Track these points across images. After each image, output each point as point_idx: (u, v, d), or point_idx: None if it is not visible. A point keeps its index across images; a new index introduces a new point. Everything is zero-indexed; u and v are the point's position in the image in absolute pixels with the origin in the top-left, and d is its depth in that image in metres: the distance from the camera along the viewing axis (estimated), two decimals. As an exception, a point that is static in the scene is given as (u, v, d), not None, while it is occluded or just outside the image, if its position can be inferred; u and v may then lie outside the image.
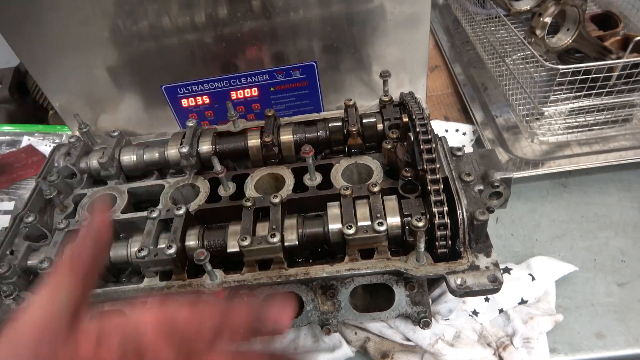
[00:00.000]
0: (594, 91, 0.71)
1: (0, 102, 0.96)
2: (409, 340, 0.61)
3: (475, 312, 0.63)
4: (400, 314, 0.58)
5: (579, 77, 0.69)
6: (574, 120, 0.82)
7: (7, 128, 0.94)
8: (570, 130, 0.81)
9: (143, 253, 0.52)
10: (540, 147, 0.82)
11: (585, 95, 0.73)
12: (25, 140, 0.94)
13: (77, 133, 0.73)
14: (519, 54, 0.87)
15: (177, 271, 0.53)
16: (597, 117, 0.80)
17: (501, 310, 0.63)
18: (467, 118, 0.92)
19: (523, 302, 0.64)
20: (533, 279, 0.65)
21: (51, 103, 0.85)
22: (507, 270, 0.67)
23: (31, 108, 1.02)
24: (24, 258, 0.56)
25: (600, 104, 0.73)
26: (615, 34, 0.83)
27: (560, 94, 0.77)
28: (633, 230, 0.72)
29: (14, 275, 0.53)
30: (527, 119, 0.81)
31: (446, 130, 0.90)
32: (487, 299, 0.64)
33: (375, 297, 0.61)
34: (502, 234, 0.74)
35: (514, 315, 0.62)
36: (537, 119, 0.82)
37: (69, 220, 0.58)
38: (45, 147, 0.93)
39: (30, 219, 0.58)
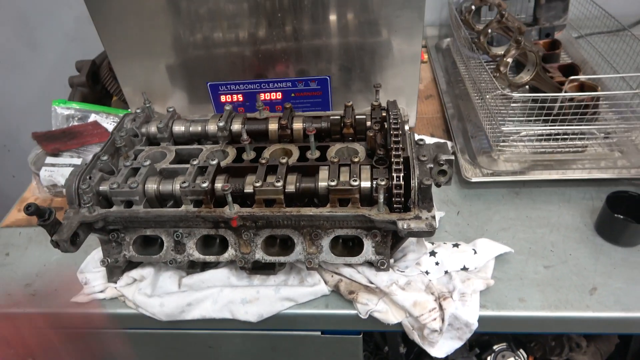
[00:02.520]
0: (542, 118, 0.91)
1: (78, 85, 1.21)
2: (371, 283, 0.79)
3: (426, 272, 0.81)
4: (366, 260, 0.77)
5: (528, 105, 0.89)
6: (532, 144, 1.01)
7: (80, 106, 1.18)
8: (532, 151, 1.00)
9: (185, 185, 0.73)
10: (504, 164, 1.01)
11: (535, 121, 0.93)
12: (92, 117, 1.17)
13: (137, 111, 0.95)
14: (494, 92, 1.08)
15: (206, 201, 0.73)
16: (552, 144, 0.99)
17: (446, 272, 0.81)
18: (449, 137, 1.12)
19: (465, 269, 0.81)
20: (475, 253, 0.83)
21: (122, 88, 1.09)
22: (456, 245, 0.85)
23: (99, 93, 1.27)
24: (97, 183, 0.77)
25: (547, 129, 0.92)
26: (572, 79, 1.03)
27: (515, 119, 0.97)
28: (565, 230, 0.89)
29: (90, 192, 0.74)
30: (493, 139, 1.00)
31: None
32: (437, 263, 0.82)
33: (350, 253, 0.79)
34: (460, 222, 0.92)
35: (455, 276, 0.80)
36: (503, 140, 1.01)
37: (131, 162, 0.80)
38: (107, 124, 1.16)
39: (105, 157, 0.80)
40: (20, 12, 1.65)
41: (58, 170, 1.04)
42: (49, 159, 1.05)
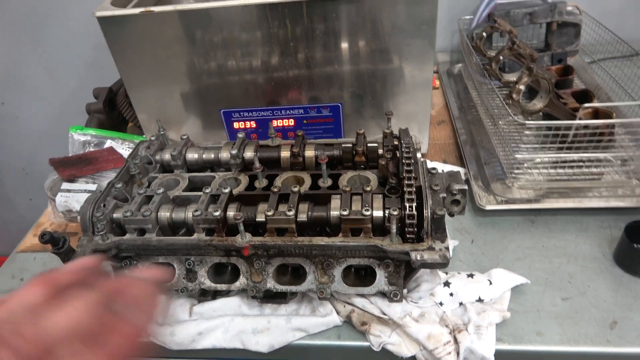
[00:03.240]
0: (556, 145, 0.90)
1: (95, 112, 1.23)
2: (384, 314, 0.77)
3: (440, 303, 0.80)
4: (379, 290, 0.76)
5: (542, 132, 0.88)
6: (547, 172, 1.00)
7: (96, 132, 1.20)
8: (546, 179, 0.99)
9: (197, 213, 0.73)
10: (518, 191, 1.00)
11: (550, 149, 0.92)
12: (108, 143, 1.19)
13: (152, 138, 0.96)
14: (506, 119, 1.07)
15: (218, 230, 0.73)
16: (567, 172, 0.98)
17: (461, 304, 0.79)
18: (462, 164, 1.12)
19: (480, 300, 0.80)
20: (491, 283, 0.81)
21: (137, 115, 1.11)
22: (471, 275, 0.83)
23: (115, 120, 1.29)
24: (112, 211, 0.77)
25: (561, 157, 0.91)
26: (586, 107, 1.03)
27: (530, 147, 0.96)
28: (583, 260, 0.87)
29: (104, 220, 0.75)
30: (507, 166, 0.99)
31: (443, 170, 1.09)
32: (451, 294, 0.80)
33: (363, 283, 0.78)
34: (474, 251, 0.91)
35: (470, 307, 0.78)
36: (517, 167, 1.00)
37: (145, 189, 0.80)
38: (122, 150, 1.18)
39: (119, 185, 0.80)
40: (39, 38, 1.70)
41: (73, 196, 1.05)
42: (65, 185, 1.07)
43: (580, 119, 0.90)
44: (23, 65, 1.75)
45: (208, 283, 0.78)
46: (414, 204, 0.68)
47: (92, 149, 1.17)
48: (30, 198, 2.16)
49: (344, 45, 0.99)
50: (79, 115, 1.33)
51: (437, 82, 1.42)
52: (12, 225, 2.28)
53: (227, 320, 0.81)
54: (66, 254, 0.71)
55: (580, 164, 0.94)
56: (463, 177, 0.74)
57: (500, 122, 1.01)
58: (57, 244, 0.69)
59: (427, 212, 0.69)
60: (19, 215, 2.25)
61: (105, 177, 1.10)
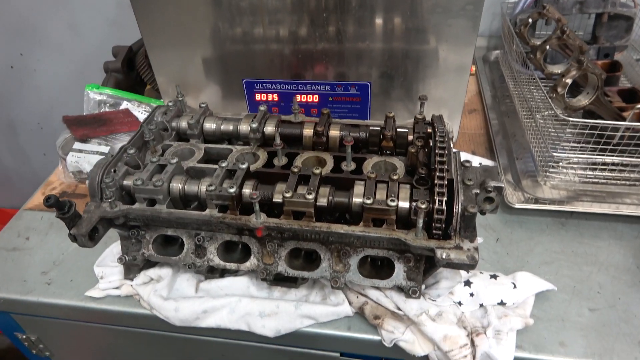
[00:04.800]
0: (599, 146, 0.83)
1: (112, 71, 1.19)
2: (399, 309, 0.73)
3: (459, 303, 0.75)
4: (396, 284, 0.71)
5: (585, 131, 0.82)
6: (583, 173, 0.93)
7: (113, 92, 1.16)
8: (581, 180, 0.92)
9: (211, 188, 0.69)
10: (549, 190, 0.94)
11: (591, 149, 0.85)
12: (124, 104, 1.15)
13: (169, 104, 0.91)
14: (546, 112, 1.00)
15: (232, 207, 0.69)
16: (605, 174, 0.91)
17: (481, 305, 0.75)
18: (492, 157, 1.06)
19: (502, 303, 0.75)
20: (515, 287, 0.76)
21: (155, 77, 1.06)
22: (494, 276, 0.78)
23: (133, 81, 1.25)
24: (122, 177, 0.74)
25: (603, 158, 0.85)
26: (638, 108, 0.95)
27: (569, 145, 0.90)
28: (615, 270, 0.82)
29: (114, 187, 0.71)
30: (541, 162, 0.93)
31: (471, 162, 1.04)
32: (472, 294, 0.76)
33: (379, 274, 0.74)
34: (499, 251, 0.86)
35: (491, 310, 0.74)
36: (552, 165, 0.94)
37: (158, 157, 0.76)
38: (138, 112, 1.14)
39: (132, 151, 0.76)
40: (63, -8, 1.65)
41: (85, 157, 1.01)
42: (77, 145, 1.03)
43: (629, 120, 0.84)
44: (45, 17, 1.70)
45: (217, 261, 0.75)
46: (444, 199, 0.63)
47: (107, 110, 1.13)
48: (44, 153, 2.15)
49: (379, 20, 0.92)
50: (97, 74, 1.29)
51: (473, 68, 1.34)
52: (25, 178, 2.28)
53: (234, 300, 0.77)
54: (72, 219, 0.68)
55: (622, 168, 0.88)
56: (499, 176, 0.68)
57: (538, 116, 0.94)
58: (63, 209, 0.65)
59: (457, 208, 0.64)
60: (32, 169, 2.24)
61: (119, 139, 1.06)
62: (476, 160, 1.05)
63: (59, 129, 1.09)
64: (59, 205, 0.64)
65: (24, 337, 0.98)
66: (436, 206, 0.63)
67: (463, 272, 0.78)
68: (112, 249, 0.88)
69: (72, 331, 0.93)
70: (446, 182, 0.64)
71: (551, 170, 0.92)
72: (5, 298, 0.85)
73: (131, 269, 0.81)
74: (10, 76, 1.89)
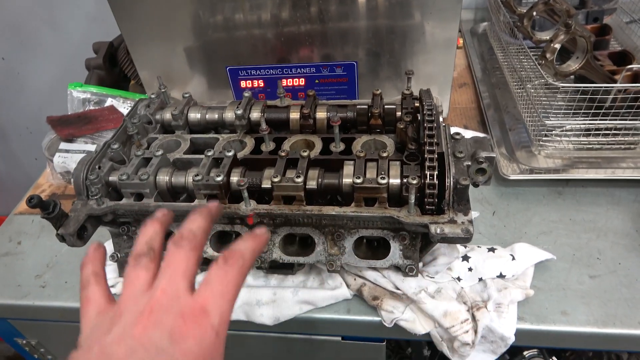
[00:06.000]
0: (591, 111, 0.82)
1: (94, 68, 1.17)
2: (398, 289, 0.72)
3: (458, 278, 0.74)
4: (393, 264, 0.70)
5: (577, 96, 0.80)
6: (577, 139, 0.92)
7: (96, 90, 1.14)
8: (576, 147, 0.91)
9: (198, 177, 0.67)
10: (544, 160, 0.93)
11: (583, 115, 0.84)
12: (109, 101, 1.13)
13: (152, 96, 0.89)
14: (536, 81, 0.98)
15: (221, 196, 0.68)
16: (600, 140, 0.90)
17: (480, 279, 0.74)
18: (484, 130, 1.04)
19: (501, 276, 0.74)
20: (513, 258, 0.75)
21: (138, 72, 1.04)
22: (492, 249, 0.77)
23: (116, 77, 1.22)
24: (107, 174, 0.72)
25: (596, 123, 0.83)
26: (628, 69, 0.94)
27: (561, 112, 0.88)
28: (614, 235, 0.81)
29: (99, 183, 0.70)
30: (534, 132, 0.91)
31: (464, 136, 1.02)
32: (470, 269, 0.75)
33: (375, 255, 0.73)
34: (496, 224, 0.85)
35: (490, 283, 0.73)
36: (545, 134, 0.92)
37: (143, 151, 0.74)
38: (124, 109, 1.12)
39: (116, 146, 0.75)
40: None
41: (72, 157, 1.00)
42: (63, 145, 1.02)
43: (620, 82, 0.82)
44: (25, 17, 1.67)
45: (210, 252, 0.74)
46: (435, 172, 0.62)
47: (92, 108, 1.11)
48: (35, 158, 2.13)
49: (361, -4, 0.90)
50: (81, 72, 1.27)
51: (461, 42, 1.32)
52: (17, 184, 2.26)
53: (231, 290, 0.76)
54: (58, 219, 0.66)
55: (615, 132, 0.86)
56: (491, 146, 0.67)
57: (528, 85, 0.93)
58: (47, 209, 0.64)
59: (449, 182, 0.62)
60: (25, 174, 2.22)
61: (105, 137, 1.04)
62: (469, 134, 1.02)
63: (48, 131, 1.07)
64: (42, 205, 0.63)
65: (24, 342, 0.98)
66: (427, 181, 0.62)
67: (460, 248, 0.77)
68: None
69: (71, 333, 0.92)
70: (436, 156, 0.63)
71: (545, 139, 0.91)
72: (0, 304, 0.84)
73: (124, 266, 0.80)
74: (-6, 81, 1.86)
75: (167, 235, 0.77)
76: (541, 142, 0.91)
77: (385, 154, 0.67)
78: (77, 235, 0.68)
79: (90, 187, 0.69)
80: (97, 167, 0.72)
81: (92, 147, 1.00)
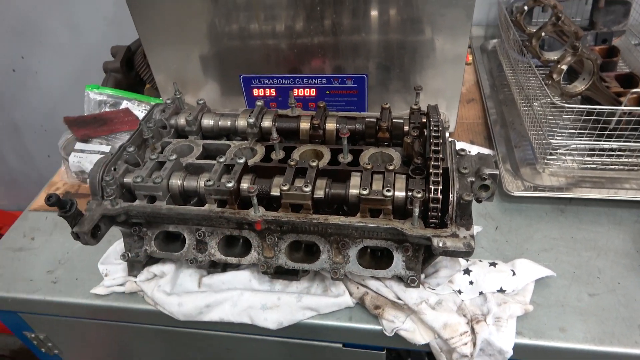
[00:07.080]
0: (596, 132, 0.83)
1: (112, 71, 1.20)
2: (399, 299, 0.74)
3: (459, 291, 0.76)
4: (395, 274, 0.72)
5: (582, 117, 0.82)
6: (581, 159, 0.93)
7: (113, 92, 1.17)
8: (580, 167, 0.92)
9: (209, 183, 0.69)
10: (548, 177, 0.94)
11: (588, 135, 0.85)
12: (124, 104, 1.16)
13: (168, 101, 0.92)
14: (543, 100, 1.00)
15: (231, 202, 0.70)
16: (604, 160, 0.91)
17: (481, 293, 0.75)
18: (490, 145, 1.06)
19: (502, 290, 0.75)
20: (514, 274, 0.77)
21: (154, 76, 1.07)
22: (493, 264, 0.79)
23: (133, 80, 1.26)
24: (122, 175, 0.75)
25: (600, 144, 0.85)
26: (634, 92, 0.95)
27: (567, 131, 0.90)
28: (614, 255, 0.82)
29: (114, 185, 0.72)
30: (539, 150, 0.93)
31: (469, 151, 1.04)
32: (471, 283, 0.76)
33: (378, 264, 0.75)
34: (498, 239, 0.86)
35: (490, 297, 0.74)
36: (550, 153, 0.94)
37: (157, 154, 0.77)
38: (138, 112, 1.15)
39: (131, 149, 0.77)
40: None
41: (87, 157, 1.03)
42: (79, 145, 1.04)
43: (625, 105, 0.84)
44: (45, 18, 1.71)
45: (218, 255, 0.76)
46: (440, 187, 0.64)
47: (108, 109, 1.14)
48: (48, 155, 2.17)
49: (374, 12, 0.93)
50: (98, 74, 1.30)
51: (470, 58, 1.34)
52: (31, 180, 2.30)
53: (236, 294, 0.78)
54: (74, 218, 0.69)
55: (620, 153, 0.88)
56: (494, 163, 0.69)
57: (535, 104, 0.94)
58: (64, 207, 0.66)
59: (453, 197, 0.64)
60: (38, 171, 2.26)
61: (120, 139, 1.07)
62: (475, 150, 1.05)
63: (62, 130, 1.10)
64: (60, 203, 0.65)
65: (33, 335, 1.00)
66: (432, 195, 0.64)
67: (462, 261, 0.79)
68: (115, 246, 0.89)
69: (79, 328, 0.94)
70: (441, 171, 0.65)
71: (549, 157, 0.93)
72: (12, 297, 0.87)
73: (134, 265, 0.83)
74: (12, 79, 1.91)
75: (175, 236, 0.79)
76: (546, 160, 0.93)
77: (391, 167, 0.70)
78: (91, 234, 0.70)
79: (106, 188, 0.71)
80: (112, 168, 0.74)
81: (106, 148, 1.03)
